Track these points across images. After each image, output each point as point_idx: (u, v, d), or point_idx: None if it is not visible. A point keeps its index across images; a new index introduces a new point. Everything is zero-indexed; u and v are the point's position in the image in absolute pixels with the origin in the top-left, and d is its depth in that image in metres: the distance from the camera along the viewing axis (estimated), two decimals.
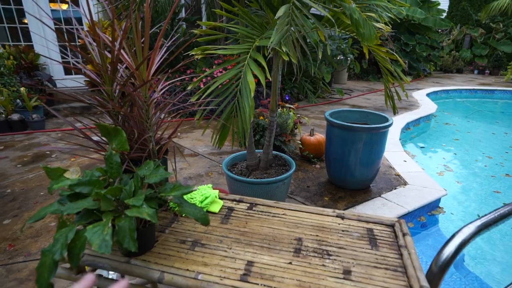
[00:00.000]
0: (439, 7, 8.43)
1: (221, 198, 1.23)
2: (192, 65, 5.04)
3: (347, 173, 2.56)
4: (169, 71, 1.13)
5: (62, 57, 5.48)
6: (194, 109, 1.22)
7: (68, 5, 5.61)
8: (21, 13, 5.40)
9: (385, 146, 2.52)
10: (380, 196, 2.55)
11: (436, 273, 0.82)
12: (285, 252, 0.94)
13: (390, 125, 2.39)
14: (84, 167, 3.16)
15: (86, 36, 1.03)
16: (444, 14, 9.10)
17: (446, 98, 7.26)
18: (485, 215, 0.97)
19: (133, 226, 0.77)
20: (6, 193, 2.72)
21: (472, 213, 2.78)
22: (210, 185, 1.25)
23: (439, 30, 9.91)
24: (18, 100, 4.48)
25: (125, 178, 0.93)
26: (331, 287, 0.80)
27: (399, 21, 8.20)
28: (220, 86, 1.43)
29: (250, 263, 0.89)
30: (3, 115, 4.23)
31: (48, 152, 3.67)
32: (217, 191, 1.22)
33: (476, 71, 10.10)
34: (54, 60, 0.99)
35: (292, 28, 1.17)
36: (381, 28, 1.53)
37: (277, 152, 2.39)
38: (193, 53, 1.29)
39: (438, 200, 2.64)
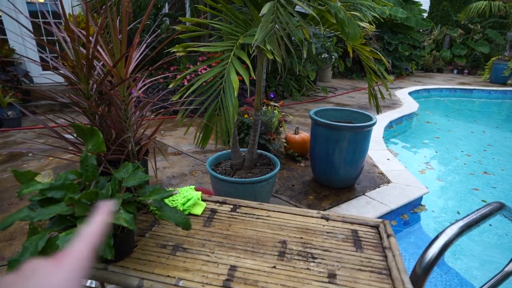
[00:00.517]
0: (421, 7, 8.62)
1: (204, 200, 1.20)
2: (176, 62, 4.94)
3: (332, 172, 2.57)
4: (150, 68, 1.08)
5: (40, 52, 5.26)
6: (176, 108, 1.18)
7: None
8: None
9: (369, 144, 2.55)
10: (364, 194, 2.58)
11: (420, 274, 0.82)
12: (269, 255, 0.92)
13: (374, 124, 2.41)
14: (62, 167, 3.05)
15: (61, 31, 0.97)
16: (425, 14, 9.30)
17: (427, 97, 7.44)
18: (467, 215, 0.98)
19: (110, 233, 0.73)
20: None
21: (452, 210, 2.85)
22: (192, 187, 1.21)
23: (421, 30, 10.13)
24: None
25: (102, 181, 0.89)
26: None
27: (382, 21, 8.33)
28: (204, 83, 1.39)
29: (233, 268, 0.87)
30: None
31: (24, 151, 3.52)
32: (200, 192, 1.19)
33: (455, 71, 10.40)
34: (27, 58, 0.93)
35: (276, 26, 1.15)
36: (365, 27, 1.53)
37: (262, 151, 2.37)
38: (174, 50, 1.24)
39: (420, 198, 2.69)
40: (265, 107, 3.24)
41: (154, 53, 0.99)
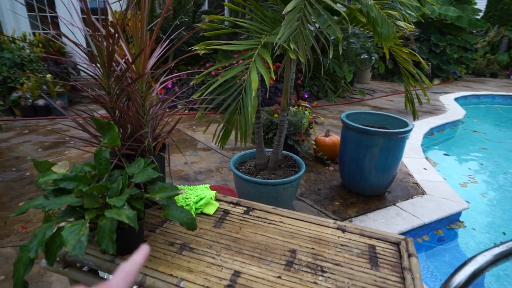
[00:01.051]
0: (475, 6, 7.94)
1: (218, 200, 1.19)
2: (211, 59, 5.02)
3: (361, 178, 2.45)
4: (171, 64, 1.08)
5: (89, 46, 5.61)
6: (195, 106, 1.17)
7: None
8: (52, 2, 5.58)
9: (403, 152, 2.39)
10: (394, 204, 2.43)
11: None
12: (275, 264, 0.88)
13: (409, 131, 2.25)
14: None
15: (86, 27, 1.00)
16: (481, 14, 8.56)
17: (477, 104, 6.85)
18: (507, 241, 0.86)
19: (113, 227, 0.74)
20: (25, 176, 2.82)
21: (497, 231, 2.59)
22: (207, 185, 1.21)
23: (474, 31, 9.35)
24: (44, 86, 4.65)
25: (116, 174, 0.90)
26: None
27: (430, 20, 7.82)
28: (230, 79, 1.37)
29: (237, 273, 0.84)
30: (30, 100, 4.38)
31: (67, 138, 3.78)
32: (214, 192, 1.17)
33: None
34: (77, 49, 0.96)
35: (303, 25, 1.09)
36: (403, 27, 1.42)
37: (288, 152, 2.32)
38: (196, 47, 1.24)
39: (459, 214, 2.47)
40: (296, 107, 3.18)
41: (174, 48, 0.99)
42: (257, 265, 0.88)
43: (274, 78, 1.14)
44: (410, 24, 1.51)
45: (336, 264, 0.89)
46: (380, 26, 1.16)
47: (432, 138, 4.47)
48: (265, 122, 3.04)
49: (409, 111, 2.14)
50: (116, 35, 0.87)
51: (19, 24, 5.56)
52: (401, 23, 1.34)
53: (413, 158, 3.28)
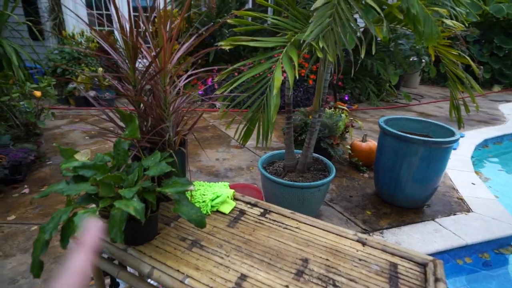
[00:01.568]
0: None
1: (236, 199, 1.17)
2: (251, 57, 5.03)
3: (396, 188, 2.29)
4: (197, 58, 1.09)
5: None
6: (215, 103, 1.16)
7: None
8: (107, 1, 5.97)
9: (446, 163, 2.19)
10: (433, 220, 2.24)
11: None
12: (285, 272, 0.84)
13: (454, 141, 2.06)
14: None
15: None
16: None
17: None
18: None
19: (123, 218, 0.75)
20: None
21: None
22: (227, 183, 1.19)
23: None
24: (95, 79, 5.01)
25: (134, 166, 0.92)
26: None
27: (494, 20, 7.10)
28: (257, 75, 1.34)
29: (243, 277, 0.82)
30: (83, 92, 4.75)
31: (112, 128, 4.03)
32: (233, 191, 1.16)
33: None
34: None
35: (334, 22, 1.03)
36: (451, 26, 1.28)
37: (318, 155, 2.24)
38: (222, 43, 1.23)
39: (511, 237, 2.21)
40: (332, 109, 3.07)
41: (198, 42, 0.99)
42: (265, 270, 0.84)
43: (297, 77, 1.09)
44: (462, 23, 1.37)
45: (350, 280, 0.82)
46: (422, 25, 1.05)
47: (485, 151, 4.06)
48: (299, 123, 2.97)
49: (455, 118, 1.95)
50: (140, 30, 0.89)
51: (78, 22, 6.03)
52: (449, 21, 1.21)
53: (460, 171, 3.00)
